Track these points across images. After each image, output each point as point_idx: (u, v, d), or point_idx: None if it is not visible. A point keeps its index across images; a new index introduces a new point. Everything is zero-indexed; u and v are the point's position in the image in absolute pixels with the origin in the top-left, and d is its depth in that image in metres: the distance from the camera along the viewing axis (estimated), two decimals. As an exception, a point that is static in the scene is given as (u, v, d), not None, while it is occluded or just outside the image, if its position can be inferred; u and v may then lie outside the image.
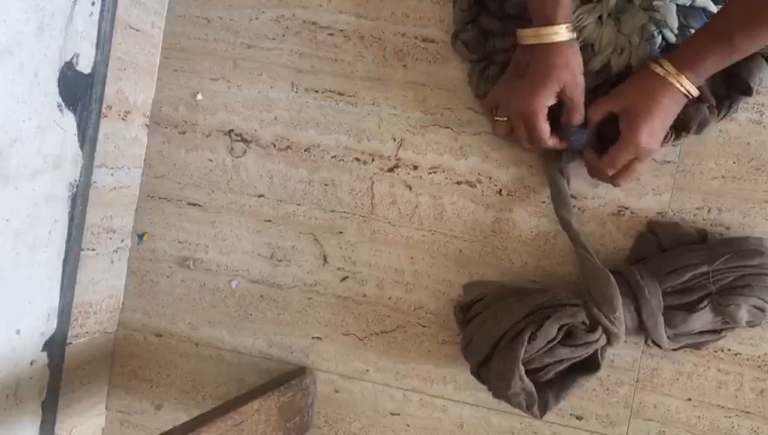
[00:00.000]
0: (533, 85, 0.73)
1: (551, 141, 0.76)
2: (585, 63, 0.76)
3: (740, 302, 0.75)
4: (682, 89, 0.71)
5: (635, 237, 0.82)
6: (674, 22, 0.74)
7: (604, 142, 0.76)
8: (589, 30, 0.76)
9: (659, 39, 0.75)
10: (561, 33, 0.71)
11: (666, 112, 0.72)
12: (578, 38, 0.75)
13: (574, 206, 0.82)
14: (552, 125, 0.75)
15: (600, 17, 0.75)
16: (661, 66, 0.71)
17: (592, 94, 0.77)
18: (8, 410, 0.78)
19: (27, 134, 0.73)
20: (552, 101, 0.73)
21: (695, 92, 0.72)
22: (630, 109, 0.72)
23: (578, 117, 0.75)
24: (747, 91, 0.77)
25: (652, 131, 0.72)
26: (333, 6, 0.87)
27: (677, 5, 0.74)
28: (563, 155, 0.80)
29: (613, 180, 0.76)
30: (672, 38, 0.75)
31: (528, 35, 0.73)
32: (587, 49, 0.76)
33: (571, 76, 0.72)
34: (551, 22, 0.71)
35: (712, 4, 0.74)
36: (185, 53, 0.92)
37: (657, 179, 0.81)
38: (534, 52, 0.73)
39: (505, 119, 0.77)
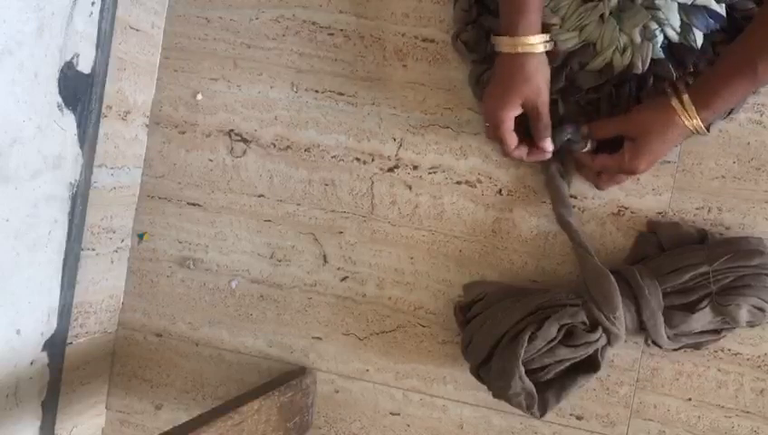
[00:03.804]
0: (496, 97, 0.74)
1: (515, 153, 0.76)
2: (586, 63, 0.76)
3: (740, 302, 0.74)
4: (694, 129, 0.72)
5: (635, 237, 0.82)
6: (676, 20, 0.74)
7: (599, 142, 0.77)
8: (590, 29, 0.75)
9: (661, 38, 0.75)
10: (531, 44, 0.71)
11: (672, 144, 0.74)
12: (579, 37, 0.76)
13: (574, 206, 0.82)
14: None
15: (601, 16, 0.75)
16: (680, 101, 0.71)
17: (593, 93, 0.78)
18: (8, 410, 0.78)
19: (27, 134, 0.73)
20: (516, 112, 0.74)
21: (704, 133, 0.72)
22: (639, 139, 0.73)
23: (542, 128, 0.74)
24: None
25: (652, 160, 0.74)
26: (333, 6, 0.87)
27: (679, 4, 0.74)
28: (564, 156, 0.80)
29: (598, 184, 0.80)
30: (674, 37, 0.75)
31: (498, 42, 0.73)
32: (588, 48, 0.76)
33: (533, 90, 0.72)
34: (516, 33, 0.71)
35: (714, 2, 0.74)
36: (185, 53, 0.92)
37: (657, 179, 0.81)
38: (501, 60, 0.73)
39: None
